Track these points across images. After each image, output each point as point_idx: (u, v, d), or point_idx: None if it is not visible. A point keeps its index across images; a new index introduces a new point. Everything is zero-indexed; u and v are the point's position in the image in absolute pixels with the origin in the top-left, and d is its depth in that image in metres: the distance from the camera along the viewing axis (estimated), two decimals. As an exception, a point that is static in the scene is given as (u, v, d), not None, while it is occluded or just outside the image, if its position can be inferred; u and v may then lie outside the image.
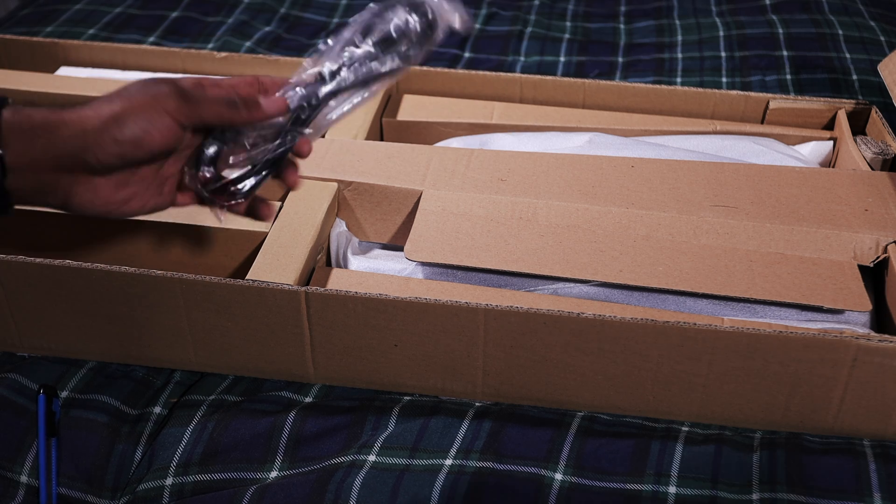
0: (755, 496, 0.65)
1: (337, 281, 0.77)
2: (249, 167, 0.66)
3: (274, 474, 0.68)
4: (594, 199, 0.84)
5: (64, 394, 0.74)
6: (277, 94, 0.64)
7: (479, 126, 1.00)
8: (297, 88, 0.65)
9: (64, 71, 1.10)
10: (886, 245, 0.79)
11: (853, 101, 1.00)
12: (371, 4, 0.65)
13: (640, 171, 0.87)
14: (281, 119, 0.65)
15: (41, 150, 0.57)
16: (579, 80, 1.04)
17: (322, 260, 0.81)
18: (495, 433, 0.69)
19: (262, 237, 0.78)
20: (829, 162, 0.98)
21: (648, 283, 0.75)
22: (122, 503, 0.67)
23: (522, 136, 0.96)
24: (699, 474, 0.66)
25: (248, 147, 0.65)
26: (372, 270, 0.81)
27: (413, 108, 1.03)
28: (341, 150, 0.89)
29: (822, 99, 1.00)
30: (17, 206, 0.59)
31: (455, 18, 0.64)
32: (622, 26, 1.42)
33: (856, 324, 0.75)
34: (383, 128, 1.02)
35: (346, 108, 0.66)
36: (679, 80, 1.25)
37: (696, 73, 1.26)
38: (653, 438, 0.69)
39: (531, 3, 1.48)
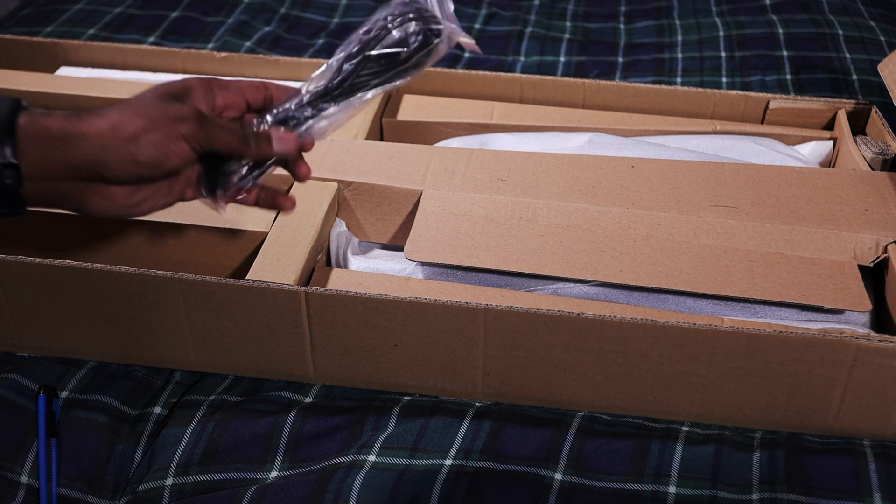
0: (755, 496, 0.65)
1: (337, 281, 0.77)
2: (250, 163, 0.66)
3: (274, 474, 0.68)
4: (594, 199, 0.84)
5: (64, 394, 0.74)
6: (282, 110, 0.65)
7: (479, 126, 1.00)
8: (292, 103, 0.65)
9: (64, 71, 1.10)
10: (886, 245, 0.79)
11: (853, 101, 1.00)
12: (383, 12, 0.65)
13: (640, 171, 0.87)
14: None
15: (59, 161, 0.57)
16: (579, 80, 1.04)
17: (322, 260, 0.81)
18: (495, 433, 0.69)
19: (262, 237, 0.78)
20: (829, 162, 0.98)
21: (648, 283, 0.75)
22: (122, 503, 0.67)
23: (522, 136, 0.96)
24: (699, 474, 0.66)
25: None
26: (372, 270, 0.81)
27: (413, 108, 1.03)
28: (341, 150, 0.89)
29: (822, 99, 1.00)
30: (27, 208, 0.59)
31: (463, 39, 0.65)
32: (622, 26, 1.42)
33: (856, 324, 0.75)
34: (383, 128, 1.02)
35: (340, 117, 0.67)
36: (679, 80, 1.25)
37: (696, 73, 1.26)
38: (653, 438, 0.69)
39: (531, 3, 1.48)
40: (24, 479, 0.68)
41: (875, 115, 0.98)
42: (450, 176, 0.86)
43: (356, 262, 0.82)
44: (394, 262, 0.81)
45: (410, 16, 0.64)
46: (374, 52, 0.64)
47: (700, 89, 1.02)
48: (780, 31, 1.33)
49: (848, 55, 1.25)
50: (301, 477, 0.66)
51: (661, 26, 1.40)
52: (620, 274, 0.76)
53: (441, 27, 0.64)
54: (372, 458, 0.67)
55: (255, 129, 0.64)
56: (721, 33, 1.35)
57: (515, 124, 1.00)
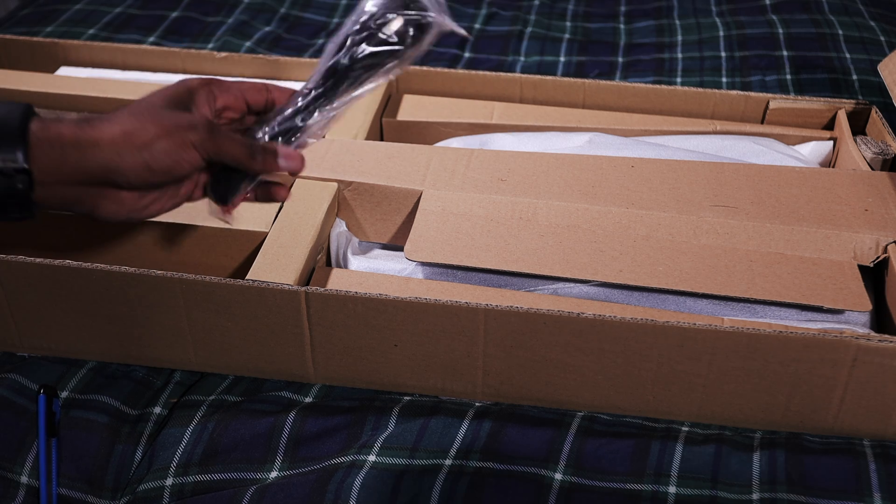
0: (755, 496, 0.65)
1: (337, 281, 0.77)
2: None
3: (274, 474, 0.68)
4: (594, 199, 0.84)
5: (64, 394, 0.74)
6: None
7: (479, 126, 1.00)
8: (290, 111, 0.65)
9: (64, 71, 1.10)
10: (886, 245, 0.79)
11: (853, 101, 1.00)
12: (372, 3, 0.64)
13: (640, 171, 0.87)
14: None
15: (71, 167, 0.58)
16: (579, 80, 1.04)
17: (322, 260, 0.81)
18: (495, 433, 0.69)
19: (262, 237, 0.78)
20: (829, 162, 0.98)
21: (648, 283, 0.75)
22: (122, 503, 0.67)
23: (522, 136, 0.96)
24: (699, 474, 0.66)
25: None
26: (372, 270, 0.81)
27: (413, 108, 1.03)
28: (341, 150, 0.89)
29: (822, 99, 1.00)
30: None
31: (452, 26, 0.64)
32: (622, 26, 1.42)
33: (856, 324, 0.75)
34: (383, 128, 1.02)
35: (336, 115, 0.67)
36: (679, 80, 1.25)
37: (696, 73, 1.26)
38: (653, 438, 0.69)
39: (531, 3, 1.48)
40: (24, 479, 0.68)
41: (875, 115, 0.98)
42: (450, 176, 0.86)
43: (356, 262, 0.82)
44: (394, 262, 0.81)
45: (398, 6, 0.63)
46: (367, 50, 0.64)
47: (700, 89, 1.02)
48: (780, 31, 1.33)
49: (848, 55, 1.25)
50: (301, 477, 0.66)
51: (661, 26, 1.40)
52: (620, 274, 0.76)
53: (430, 15, 0.63)
54: (372, 458, 0.67)
55: (262, 144, 0.64)
56: (721, 33, 1.35)
57: (515, 124, 1.00)
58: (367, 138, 0.96)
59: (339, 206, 0.86)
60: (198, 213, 0.79)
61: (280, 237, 0.77)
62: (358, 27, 0.64)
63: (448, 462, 0.67)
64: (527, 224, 0.81)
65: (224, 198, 0.66)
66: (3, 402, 0.71)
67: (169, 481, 0.67)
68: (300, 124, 0.66)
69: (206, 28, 1.36)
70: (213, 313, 0.73)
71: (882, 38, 1.30)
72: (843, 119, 0.97)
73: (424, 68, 1.06)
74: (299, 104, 0.65)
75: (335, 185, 0.84)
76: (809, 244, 0.79)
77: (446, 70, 1.06)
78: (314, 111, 0.66)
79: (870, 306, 0.73)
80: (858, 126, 1.00)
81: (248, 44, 1.32)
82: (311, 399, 0.74)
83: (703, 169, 0.88)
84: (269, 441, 0.69)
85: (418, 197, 0.84)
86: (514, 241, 0.79)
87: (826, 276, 0.76)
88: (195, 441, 0.69)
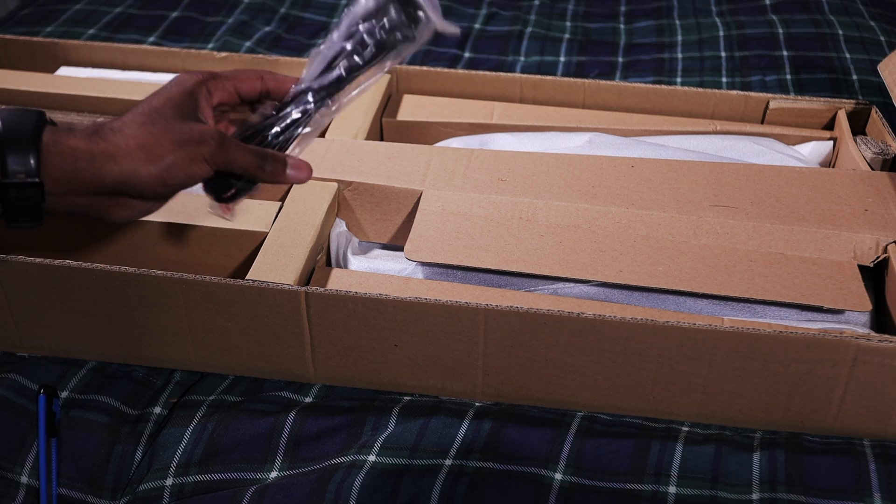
0: (755, 496, 0.65)
1: (337, 281, 0.77)
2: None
3: (274, 474, 0.68)
4: (594, 199, 0.83)
5: (64, 394, 0.74)
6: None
7: (479, 126, 1.00)
8: (291, 113, 0.66)
9: (64, 71, 1.10)
10: (886, 245, 0.79)
11: (853, 101, 1.00)
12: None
13: (640, 171, 0.87)
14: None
15: (85, 180, 0.58)
16: (579, 80, 1.04)
17: (322, 260, 0.81)
18: (495, 433, 0.69)
19: (262, 237, 0.78)
20: (829, 162, 0.98)
21: (648, 283, 0.75)
22: (122, 503, 0.67)
23: (522, 136, 0.96)
24: (699, 474, 0.66)
25: None
26: (372, 270, 0.81)
27: (413, 108, 1.03)
28: (341, 150, 0.89)
29: (822, 99, 1.00)
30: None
31: (443, 25, 0.65)
32: (622, 26, 1.42)
33: (856, 324, 0.75)
34: (383, 128, 1.02)
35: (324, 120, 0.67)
36: (679, 80, 1.25)
37: (696, 73, 1.26)
38: (653, 438, 0.69)
39: (531, 3, 1.48)
40: (24, 479, 0.68)
41: (875, 115, 0.98)
42: (450, 176, 0.86)
43: (356, 262, 0.82)
44: (394, 262, 0.81)
45: (393, 5, 0.64)
46: (364, 53, 0.64)
47: (700, 89, 1.02)
48: (780, 31, 1.33)
49: (848, 55, 1.25)
50: (301, 477, 0.66)
51: (661, 26, 1.40)
52: (620, 274, 0.76)
53: (426, 12, 0.64)
54: (372, 458, 0.67)
55: (272, 153, 0.64)
56: (721, 33, 1.35)
57: (515, 124, 1.00)
58: (367, 138, 0.96)
59: (339, 206, 0.86)
60: (198, 213, 0.79)
61: (280, 237, 0.77)
62: (356, 25, 0.64)
63: (448, 462, 0.67)
64: (527, 224, 0.81)
65: (226, 198, 0.66)
66: (3, 402, 0.71)
67: (169, 481, 0.67)
68: (300, 129, 0.66)
69: (206, 28, 1.36)
70: (213, 313, 0.73)
71: (882, 38, 1.30)
72: (843, 119, 0.97)
73: (424, 68, 1.06)
74: (299, 103, 0.66)
75: (335, 185, 0.84)
76: (809, 244, 0.79)
77: (446, 70, 1.06)
78: (314, 111, 0.66)
79: (870, 306, 0.73)
80: (858, 126, 1.00)
81: (248, 44, 1.32)
82: (311, 399, 0.74)
83: (703, 169, 0.88)
84: (269, 441, 0.69)
85: (418, 197, 0.84)
86: (514, 241, 0.79)
87: (826, 276, 0.76)
88: (195, 441, 0.69)
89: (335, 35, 0.65)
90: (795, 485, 0.65)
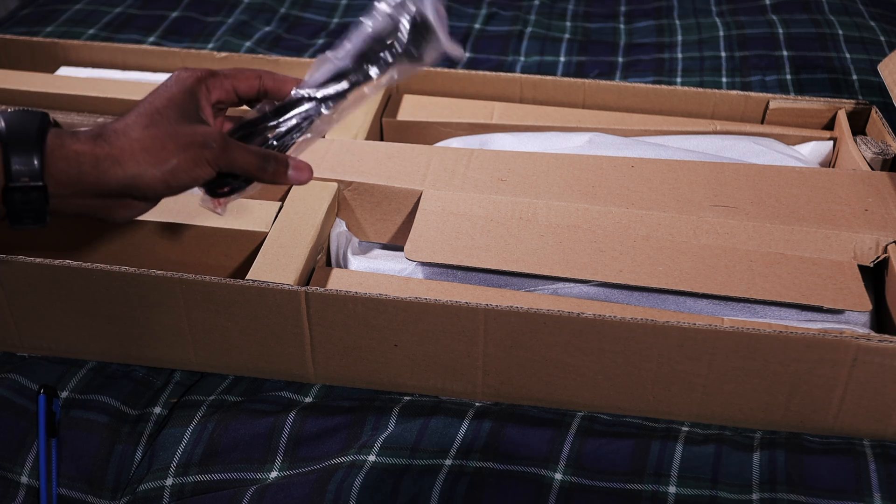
0: (755, 496, 0.65)
1: (337, 281, 0.77)
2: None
3: (274, 474, 0.68)
4: (594, 199, 0.83)
5: (64, 394, 0.74)
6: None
7: (479, 126, 1.00)
8: (294, 117, 0.66)
9: (64, 71, 1.10)
10: (886, 245, 0.79)
11: (853, 101, 1.00)
12: (377, 11, 0.65)
13: (640, 171, 0.87)
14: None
15: (89, 184, 0.58)
16: (579, 80, 1.04)
17: (322, 260, 0.81)
18: (495, 433, 0.69)
19: (262, 237, 0.78)
20: (829, 162, 0.98)
21: (648, 283, 0.75)
22: (122, 503, 0.67)
23: (522, 136, 0.96)
24: (699, 474, 0.66)
25: None
26: (372, 270, 0.81)
27: (413, 108, 1.03)
28: (341, 150, 0.89)
29: (822, 99, 1.00)
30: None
31: (451, 48, 0.66)
32: (622, 26, 1.42)
33: (856, 324, 0.75)
34: (383, 128, 1.02)
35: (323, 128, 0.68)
36: (679, 80, 1.25)
37: (696, 73, 1.26)
38: (653, 438, 0.69)
39: (531, 3, 1.48)
40: (24, 479, 0.68)
41: (875, 115, 0.98)
42: (450, 176, 0.86)
43: (356, 262, 0.82)
44: (394, 262, 0.81)
45: (406, 26, 0.64)
46: (373, 69, 0.65)
47: (700, 89, 1.02)
48: (780, 31, 1.33)
49: (848, 55, 1.25)
50: (301, 477, 0.66)
51: (661, 26, 1.40)
52: (620, 274, 0.76)
53: (433, 37, 0.65)
54: (372, 458, 0.67)
55: (274, 155, 0.64)
56: (721, 33, 1.35)
57: (515, 124, 1.00)
58: (367, 138, 0.96)
59: (339, 206, 0.86)
60: (198, 212, 0.79)
61: (280, 237, 0.77)
62: (368, 41, 0.65)
63: (448, 462, 0.67)
64: (527, 224, 0.81)
65: (220, 193, 0.66)
66: (3, 402, 0.71)
67: (169, 481, 0.67)
68: (300, 134, 0.66)
69: (206, 28, 1.36)
70: (213, 313, 0.73)
71: (882, 38, 1.30)
72: (843, 119, 0.97)
73: (424, 68, 1.06)
74: (302, 109, 0.66)
75: (335, 185, 0.84)
76: (809, 244, 0.79)
77: (446, 70, 1.06)
78: (316, 117, 0.66)
79: (870, 306, 0.73)
80: (858, 126, 1.00)
81: (248, 44, 1.32)
82: (311, 399, 0.74)
83: (703, 169, 0.88)
84: (269, 441, 0.69)
85: (418, 197, 0.84)
86: (514, 241, 0.79)
87: (826, 276, 0.76)
88: (195, 441, 0.69)
89: (346, 48, 0.65)
90: (795, 485, 0.65)
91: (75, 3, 1.41)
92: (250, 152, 0.63)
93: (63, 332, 0.76)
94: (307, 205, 0.81)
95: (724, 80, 1.23)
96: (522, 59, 1.31)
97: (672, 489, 0.65)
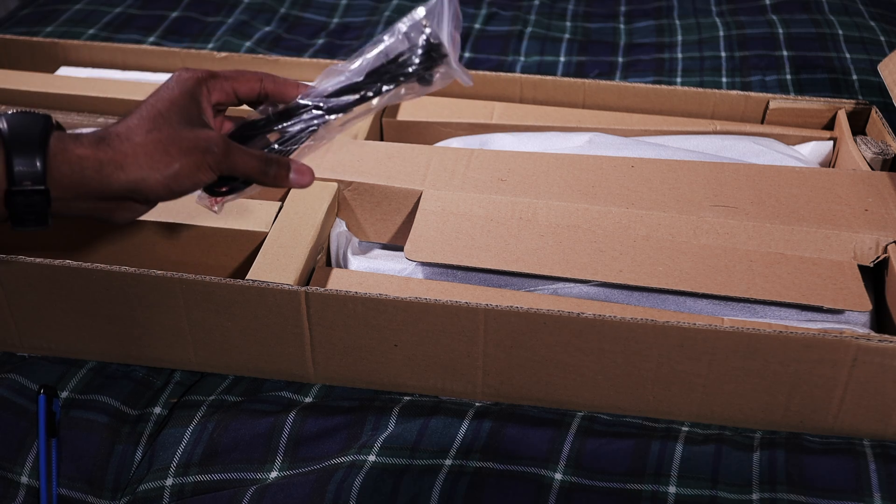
0: (755, 496, 0.65)
1: (337, 281, 0.77)
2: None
3: (274, 474, 0.68)
4: (594, 199, 0.84)
5: (64, 394, 0.74)
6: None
7: (479, 126, 1.00)
8: (298, 123, 0.66)
9: (64, 71, 1.10)
10: (886, 245, 0.79)
11: (853, 101, 1.00)
12: (396, 32, 0.65)
13: (640, 171, 0.87)
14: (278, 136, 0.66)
15: (92, 188, 0.58)
16: (579, 80, 1.04)
17: (322, 260, 0.81)
18: (495, 433, 0.69)
19: (262, 237, 0.78)
20: (829, 162, 0.98)
21: (648, 283, 0.75)
22: (122, 503, 0.67)
23: (522, 136, 0.96)
24: (699, 474, 0.66)
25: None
26: (372, 270, 0.81)
27: (413, 108, 1.03)
28: (341, 150, 0.89)
29: (822, 99, 1.00)
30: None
31: (462, 75, 0.66)
32: (622, 26, 1.42)
33: (856, 324, 0.75)
34: (383, 128, 1.02)
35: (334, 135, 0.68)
36: (679, 80, 1.25)
37: (696, 73, 1.26)
38: (653, 438, 0.69)
39: (531, 3, 1.48)
40: (24, 479, 0.68)
41: (875, 115, 0.98)
42: (450, 176, 0.86)
43: (356, 262, 0.82)
44: (394, 262, 0.81)
45: (420, 48, 0.65)
46: (383, 87, 0.66)
47: (700, 89, 1.02)
48: (780, 31, 1.33)
49: (848, 55, 1.25)
50: (301, 477, 0.66)
51: (661, 26, 1.40)
52: (620, 274, 0.76)
53: (450, 62, 0.65)
54: (372, 458, 0.67)
55: (276, 158, 0.64)
56: (721, 33, 1.35)
57: (515, 124, 1.00)
58: (367, 138, 0.96)
59: (339, 206, 0.86)
60: (198, 213, 0.79)
61: (280, 237, 0.77)
62: (381, 60, 0.65)
63: (448, 462, 0.67)
64: (527, 224, 0.81)
65: (218, 192, 0.66)
66: (3, 402, 0.71)
67: (169, 481, 0.67)
68: (303, 141, 0.66)
69: (206, 28, 1.36)
70: (213, 313, 0.73)
71: (882, 38, 1.30)
72: (843, 119, 0.97)
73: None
74: (308, 116, 0.66)
75: (335, 185, 0.84)
76: (809, 244, 0.79)
77: (446, 70, 1.05)
78: (321, 126, 0.66)
79: (870, 306, 0.73)
80: (858, 126, 1.00)
81: (248, 44, 1.32)
82: (311, 399, 0.74)
83: (703, 169, 0.88)
84: (269, 441, 0.69)
85: (418, 197, 0.84)
86: (514, 241, 0.79)
87: (826, 276, 0.76)
88: (195, 441, 0.69)
89: (359, 62, 0.66)
90: (795, 485, 0.65)
91: (75, 3, 1.41)
92: (252, 156, 0.63)
93: (63, 332, 0.76)
94: (307, 205, 0.81)
95: (724, 80, 1.23)
96: (522, 59, 1.31)
97: (672, 489, 0.65)
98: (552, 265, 0.76)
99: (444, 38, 0.64)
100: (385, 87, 0.66)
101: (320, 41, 1.35)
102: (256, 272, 0.73)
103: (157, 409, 0.74)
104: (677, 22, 1.41)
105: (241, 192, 0.66)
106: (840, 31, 1.31)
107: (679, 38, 1.36)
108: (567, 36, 1.38)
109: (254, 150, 0.64)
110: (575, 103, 1.04)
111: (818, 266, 0.77)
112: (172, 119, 0.61)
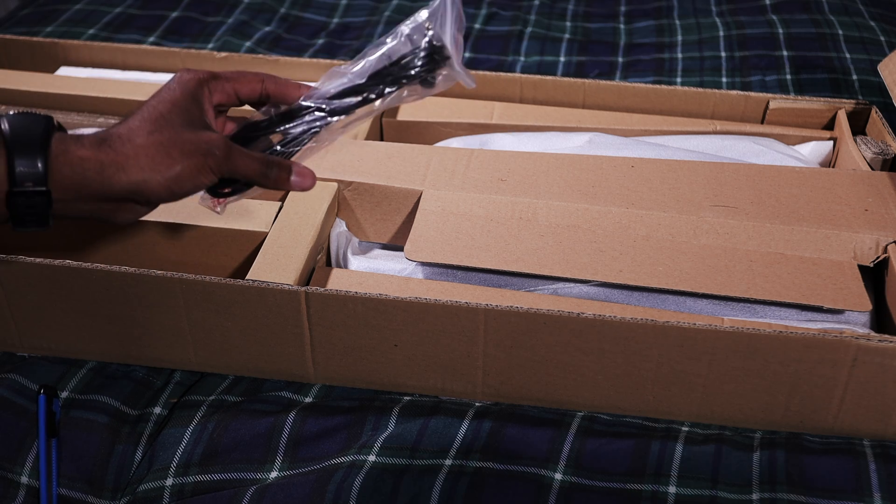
0: (755, 496, 0.65)
1: (337, 281, 0.77)
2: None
3: (274, 474, 0.68)
4: (594, 199, 0.84)
5: (64, 394, 0.74)
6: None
7: (479, 126, 1.00)
8: (301, 125, 0.66)
9: (64, 71, 1.10)
10: (886, 245, 0.79)
11: (853, 101, 1.00)
12: (397, 35, 0.65)
13: (640, 171, 0.87)
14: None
15: (94, 189, 0.58)
16: (579, 80, 1.04)
17: (322, 260, 0.81)
18: (495, 433, 0.69)
19: (262, 237, 0.78)
20: (829, 162, 0.98)
21: (648, 283, 0.75)
22: (122, 503, 0.67)
23: (522, 136, 0.96)
24: (699, 474, 0.66)
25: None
26: (372, 270, 0.81)
27: (413, 109, 1.03)
28: (341, 150, 0.89)
29: (822, 99, 1.00)
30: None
31: (464, 77, 0.66)
32: (622, 26, 1.42)
33: (856, 324, 0.75)
34: (383, 128, 1.02)
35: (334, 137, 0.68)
36: (679, 80, 1.25)
37: (696, 73, 1.26)
38: (653, 438, 0.69)
39: (531, 3, 1.48)
40: (24, 479, 0.68)
41: (875, 115, 0.98)
42: (450, 176, 0.86)
43: (356, 262, 0.82)
44: (394, 262, 0.81)
45: (423, 50, 0.65)
46: (386, 89, 0.65)
47: (700, 89, 1.02)
48: (780, 31, 1.33)
49: (848, 55, 1.25)
50: (301, 477, 0.66)
51: (661, 26, 1.40)
52: (620, 274, 0.76)
53: (448, 65, 0.65)
54: (372, 458, 0.67)
55: (277, 160, 0.64)
56: (721, 33, 1.35)
57: (515, 124, 1.00)
58: (367, 138, 0.96)
59: (339, 206, 0.86)
60: (198, 213, 0.79)
61: (280, 237, 0.77)
62: (385, 62, 0.65)
63: (448, 462, 0.67)
64: (527, 224, 0.81)
65: (221, 193, 0.66)
66: (3, 402, 0.71)
67: (169, 481, 0.67)
68: (305, 143, 0.66)
69: (206, 28, 1.36)
70: (213, 313, 0.73)
71: (882, 38, 1.30)
72: (843, 119, 0.97)
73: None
74: (311, 118, 0.66)
75: (335, 185, 0.84)
76: (809, 244, 0.79)
77: (446, 70, 1.05)
78: (323, 128, 0.66)
79: (870, 306, 0.73)
80: (858, 126, 1.00)
81: (248, 44, 1.32)
82: (311, 399, 0.74)
83: (703, 169, 0.88)
84: (269, 441, 0.69)
85: (418, 197, 0.84)
86: (514, 241, 0.79)
87: (826, 276, 0.76)
88: (195, 441, 0.69)
89: (361, 65, 0.66)
90: (795, 484, 0.65)
91: (75, 3, 1.41)
92: (253, 159, 0.63)
93: (63, 332, 0.76)
94: (307, 205, 0.81)
95: (724, 80, 1.23)
96: (522, 59, 1.31)
97: (672, 489, 0.65)
98: (552, 265, 0.76)
99: (447, 41, 0.64)
100: (387, 90, 0.66)
101: (320, 41, 1.35)
102: (256, 272, 0.73)
103: (157, 409, 0.74)
104: (677, 22, 1.41)
105: (244, 193, 0.66)
106: (840, 31, 1.31)
107: (679, 38, 1.36)
108: (567, 36, 1.38)
109: (255, 153, 0.64)
110: (575, 103, 1.04)
111: (818, 266, 0.77)
112: (174, 121, 0.61)
